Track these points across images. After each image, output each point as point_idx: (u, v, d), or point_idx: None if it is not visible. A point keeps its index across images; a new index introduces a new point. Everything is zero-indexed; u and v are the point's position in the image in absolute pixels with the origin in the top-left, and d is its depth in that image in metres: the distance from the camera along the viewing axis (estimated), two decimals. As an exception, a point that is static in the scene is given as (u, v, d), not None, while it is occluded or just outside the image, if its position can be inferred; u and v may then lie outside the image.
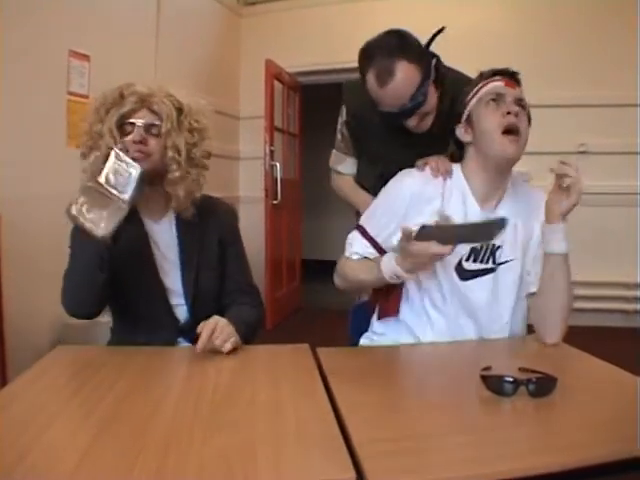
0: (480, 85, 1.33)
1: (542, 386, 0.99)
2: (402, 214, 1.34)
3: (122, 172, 1.20)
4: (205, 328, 1.20)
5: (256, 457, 0.78)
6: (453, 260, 1.31)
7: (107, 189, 1.19)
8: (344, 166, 1.85)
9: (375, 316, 1.53)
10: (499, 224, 1.13)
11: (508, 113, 1.25)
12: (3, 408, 0.95)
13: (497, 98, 1.28)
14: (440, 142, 1.49)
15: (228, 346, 1.22)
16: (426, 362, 1.33)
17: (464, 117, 1.35)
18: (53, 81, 2.59)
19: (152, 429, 0.87)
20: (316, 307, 4.85)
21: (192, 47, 4.00)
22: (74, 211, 1.17)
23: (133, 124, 1.31)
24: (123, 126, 1.31)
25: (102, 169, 1.20)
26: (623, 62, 3.86)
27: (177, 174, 1.34)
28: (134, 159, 1.24)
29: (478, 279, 1.34)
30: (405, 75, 1.40)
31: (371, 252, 1.39)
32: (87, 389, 1.03)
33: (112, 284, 1.31)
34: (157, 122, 1.32)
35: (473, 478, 0.76)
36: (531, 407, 0.96)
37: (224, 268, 1.48)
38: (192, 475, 0.73)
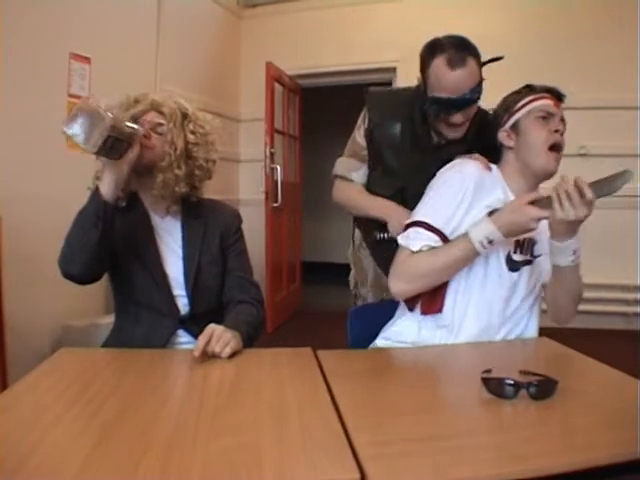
0: (531, 98, 1.43)
1: (543, 389, 0.99)
2: (468, 203, 1.37)
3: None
4: (201, 336, 1.22)
5: (260, 459, 0.78)
6: (504, 252, 1.40)
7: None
8: (358, 174, 1.76)
9: (402, 313, 1.50)
10: (624, 176, 1.29)
11: (556, 131, 1.36)
12: (5, 410, 0.95)
13: (547, 116, 1.38)
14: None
15: (227, 350, 1.23)
16: (427, 364, 1.33)
17: (509, 123, 1.43)
18: (54, 83, 2.60)
19: (156, 431, 0.87)
20: (316, 309, 4.85)
21: (192, 49, 4.01)
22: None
23: (141, 122, 1.41)
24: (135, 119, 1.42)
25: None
26: (623, 64, 3.87)
27: (163, 163, 1.42)
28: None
29: (522, 269, 1.43)
30: (473, 69, 1.53)
31: (440, 244, 1.36)
32: (90, 391, 1.03)
33: (117, 271, 1.43)
34: (163, 122, 1.43)
35: (475, 480, 0.76)
36: (532, 410, 0.96)
37: (225, 265, 1.53)
38: (196, 477, 0.73)
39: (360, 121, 1.75)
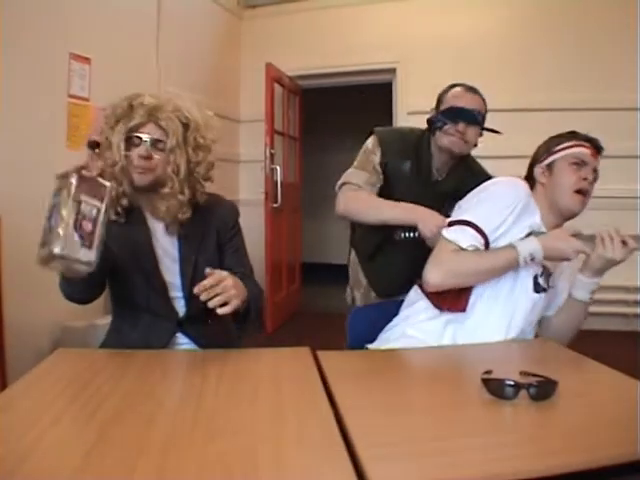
0: (570, 144, 1.51)
1: (543, 390, 0.99)
2: (515, 217, 1.43)
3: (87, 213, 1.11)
4: (211, 277, 1.22)
5: (257, 460, 0.77)
6: (533, 273, 1.46)
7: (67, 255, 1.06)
8: (373, 188, 1.81)
9: (427, 307, 1.50)
10: None
11: (585, 179, 1.46)
12: (4, 410, 0.95)
13: (580, 163, 1.47)
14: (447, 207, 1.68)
15: (227, 309, 1.21)
16: (427, 365, 1.33)
17: (546, 162, 1.54)
18: (54, 84, 2.60)
19: (153, 432, 0.86)
20: (316, 310, 4.85)
21: (193, 50, 4.01)
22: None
23: (140, 138, 1.35)
24: (131, 138, 1.35)
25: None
26: (623, 65, 3.87)
27: (167, 191, 1.38)
28: (138, 172, 1.35)
29: (541, 294, 1.48)
30: (482, 102, 1.87)
31: (483, 248, 1.41)
32: (88, 392, 1.02)
33: (114, 275, 1.39)
34: (163, 138, 1.36)
35: (474, 481, 0.76)
36: (532, 411, 0.96)
37: (222, 262, 1.51)
38: (192, 477, 0.73)
39: (372, 148, 1.89)
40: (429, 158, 1.84)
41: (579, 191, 1.46)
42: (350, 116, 6.57)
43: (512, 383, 0.99)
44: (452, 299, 1.44)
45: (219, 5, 4.44)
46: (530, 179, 1.57)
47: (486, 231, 1.41)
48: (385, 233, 1.80)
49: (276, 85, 4.29)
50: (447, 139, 1.76)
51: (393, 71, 4.47)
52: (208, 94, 4.21)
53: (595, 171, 1.49)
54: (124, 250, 1.39)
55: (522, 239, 1.39)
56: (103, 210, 1.13)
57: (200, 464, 0.76)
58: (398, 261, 1.87)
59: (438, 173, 1.87)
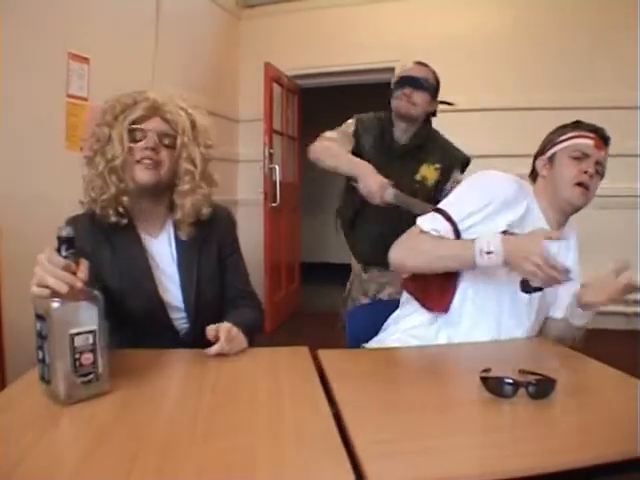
0: (573, 134, 1.47)
1: (542, 388, 0.99)
2: (492, 210, 1.36)
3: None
4: (222, 334, 1.23)
5: (255, 459, 0.77)
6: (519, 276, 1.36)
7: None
8: (338, 143, 2.11)
9: (411, 307, 1.51)
10: None
11: (585, 172, 1.39)
12: (3, 411, 0.94)
13: (582, 156, 1.41)
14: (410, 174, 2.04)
15: (234, 350, 1.25)
16: (426, 364, 1.33)
17: (547, 154, 1.49)
18: (52, 83, 2.59)
19: (151, 431, 0.86)
20: (315, 309, 4.85)
21: (191, 50, 4.01)
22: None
23: (144, 130, 1.27)
24: (133, 132, 1.27)
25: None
26: (621, 64, 3.88)
27: (188, 186, 1.32)
28: (145, 165, 1.27)
29: (535, 294, 1.41)
30: (431, 74, 2.12)
31: (450, 235, 1.37)
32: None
33: (109, 300, 1.21)
34: (171, 132, 1.30)
35: (472, 478, 0.76)
36: (531, 409, 0.96)
37: (223, 277, 1.48)
38: (191, 477, 0.73)
39: (349, 123, 2.28)
40: (391, 126, 2.12)
41: (580, 184, 1.40)
42: (349, 116, 6.57)
43: (511, 381, 0.99)
44: (436, 298, 1.42)
45: (218, 5, 4.43)
46: (534, 172, 1.54)
47: (455, 219, 1.37)
48: (363, 199, 1.86)
49: (275, 85, 4.29)
50: (396, 102, 2.05)
51: (392, 70, 4.47)
52: (207, 94, 4.21)
53: (598, 163, 1.42)
54: (120, 276, 1.31)
55: (486, 234, 1.31)
56: (99, 331, 0.98)
57: (199, 463, 0.76)
58: (375, 228, 2.03)
59: (401, 138, 2.12)
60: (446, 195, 1.50)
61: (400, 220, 1.57)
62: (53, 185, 2.49)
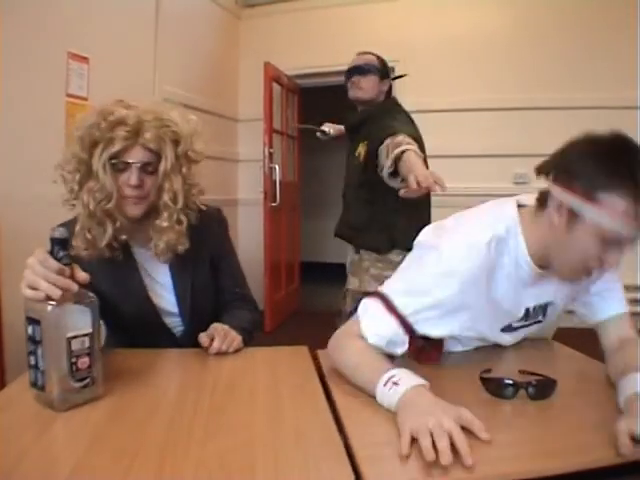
0: (623, 207, 0.94)
1: (542, 389, 0.99)
2: (452, 307, 1.09)
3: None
4: (205, 335, 1.24)
5: (254, 460, 0.77)
6: (503, 324, 1.22)
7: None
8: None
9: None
10: None
11: (610, 265, 1.03)
12: (2, 410, 0.95)
13: (615, 244, 0.99)
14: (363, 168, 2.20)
15: (232, 349, 1.25)
16: (425, 364, 1.32)
17: (573, 201, 0.98)
18: (52, 83, 2.59)
19: (150, 431, 0.86)
20: (315, 309, 4.84)
21: (191, 49, 4.01)
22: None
23: (127, 163, 1.21)
24: (115, 164, 1.21)
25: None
26: (622, 64, 3.87)
27: (165, 224, 1.26)
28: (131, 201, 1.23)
29: (522, 329, 1.27)
30: (373, 58, 2.43)
31: (399, 333, 1.09)
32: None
33: (103, 311, 1.12)
34: (152, 160, 1.23)
35: (473, 481, 0.76)
36: (531, 410, 0.96)
37: (218, 281, 1.47)
38: (190, 477, 0.73)
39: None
40: (353, 112, 2.48)
41: (591, 272, 1.07)
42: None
43: (511, 382, 0.98)
44: (426, 355, 1.25)
45: (217, 4, 4.43)
46: (541, 199, 1.10)
47: (405, 312, 1.07)
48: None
49: (275, 84, 4.29)
50: (349, 92, 2.41)
51: (392, 70, 4.46)
52: (206, 93, 4.21)
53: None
54: (111, 287, 1.28)
55: (407, 378, 0.94)
56: (95, 333, 0.98)
57: (197, 463, 0.76)
58: (344, 211, 2.50)
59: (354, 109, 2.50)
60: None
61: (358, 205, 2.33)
62: (52, 185, 2.48)
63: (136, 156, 1.21)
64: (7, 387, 1.08)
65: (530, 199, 1.17)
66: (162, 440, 0.83)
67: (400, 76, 2.72)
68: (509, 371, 1.05)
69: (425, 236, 1.17)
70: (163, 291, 1.39)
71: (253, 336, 1.43)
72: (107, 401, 0.98)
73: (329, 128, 2.95)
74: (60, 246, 0.95)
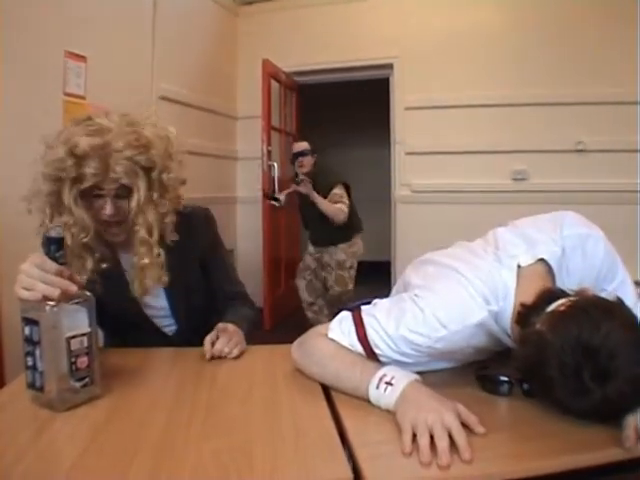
0: None
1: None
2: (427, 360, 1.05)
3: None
4: (222, 338, 1.23)
5: (252, 458, 0.78)
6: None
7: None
8: None
9: None
10: None
11: None
12: (1, 409, 0.95)
13: None
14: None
15: (235, 352, 1.23)
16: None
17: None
18: (49, 82, 2.59)
19: (148, 430, 0.87)
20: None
21: (189, 47, 4.00)
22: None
23: (99, 194, 1.16)
24: (86, 195, 1.16)
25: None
26: (621, 59, 3.87)
27: (147, 260, 1.22)
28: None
29: None
30: (305, 144, 3.63)
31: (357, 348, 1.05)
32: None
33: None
34: (126, 188, 1.16)
35: (470, 479, 0.76)
36: (527, 407, 0.95)
37: (210, 280, 1.46)
38: (187, 477, 0.73)
39: None
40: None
41: None
42: (347, 112, 6.56)
43: (506, 379, 0.99)
44: None
45: (215, 2, 4.42)
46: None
47: (377, 351, 1.03)
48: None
49: (273, 81, 4.28)
50: (295, 168, 3.66)
51: (390, 67, 4.46)
52: (204, 91, 4.20)
53: None
54: (100, 292, 1.15)
55: (401, 376, 0.95)
56: (93, 332, 0.98)
57: (195, 462, 0.76)
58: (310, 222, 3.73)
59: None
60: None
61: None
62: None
63: (108, 186, 1.15)
64: (6, 387, 1.09)
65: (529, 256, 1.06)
66: (160, 439, 0.83)
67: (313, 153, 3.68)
68: (506, 367, 1.01)
69: (432, 265, 1.16)
70: (154, 298, 1.36)
71: (251, 333, 1.44)
72: (104, 401, 0.99)
73: (282, 196, 3.76)
74: (56, 245, 0.95)
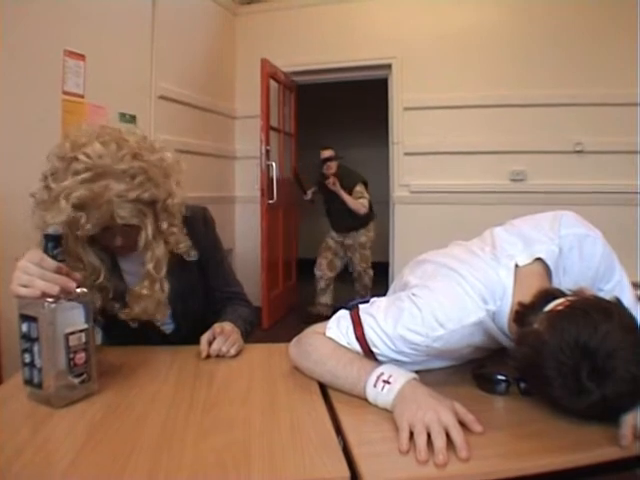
0: None
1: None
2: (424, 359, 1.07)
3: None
4: (219, 338, 1.23)
5: (250, 456, 0.78)
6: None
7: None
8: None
9: None
10: None
11: None
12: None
13: None
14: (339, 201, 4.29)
15: (233, 351, 1.23)
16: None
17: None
18: (48, 81, 2.59)
19: (146, 427, 0.87)
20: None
21: (187, 46, 4.00)
22: None
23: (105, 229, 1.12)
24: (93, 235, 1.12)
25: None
26: (620, 60, 3.88)
27: (145, 292, 1.21)
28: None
29: None
30: (330, 151, 4.41)
31: (355, 346, 1.06)
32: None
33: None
34: (132, 223, 1.12)
35: (466, 477, 0.76)
36: (524, 406, 0.95)
37: (208, 280, 1.45)
38: (185, 475, 0.73)
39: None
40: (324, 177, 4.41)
41: None
42: (345, 112, 6.56)
43: (503, 378, 0.99)
44: None
45: (214, 1, 4.42)
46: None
47: (375, 351, 1.04)
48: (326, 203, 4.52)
49: (271, 81, 4.28)
50: (324, 170, 4.36)
51: (389, 67, 4.47)
52: (203, 90, 4.20)
53: None
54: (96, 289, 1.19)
55: (398, 375, 0.94)
56: (90, 329, 0.98)
57: (193, 460, 0.76)
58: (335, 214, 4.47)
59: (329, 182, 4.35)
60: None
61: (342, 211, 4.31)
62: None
63: (114, 231, 1.13)
64: (4, 384, 1.09)
65: (527, 255, 1.07)
66: (158, 436, 0.84)
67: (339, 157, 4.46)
68: (504, 366, 1.00)
69: (429, 264, 1.16)
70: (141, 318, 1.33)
71: (253, 330, 1.45)
72: (102, 398, 0.99)
73: (309, 192, 4.67)
74: (54, 243, 0.95)
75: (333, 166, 4.36)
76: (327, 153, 4.42)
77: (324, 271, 4.50)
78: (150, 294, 1.21)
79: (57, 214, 1.04)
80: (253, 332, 1.44)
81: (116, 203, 1.06)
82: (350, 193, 4.27)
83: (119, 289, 1.27)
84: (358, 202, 4.26)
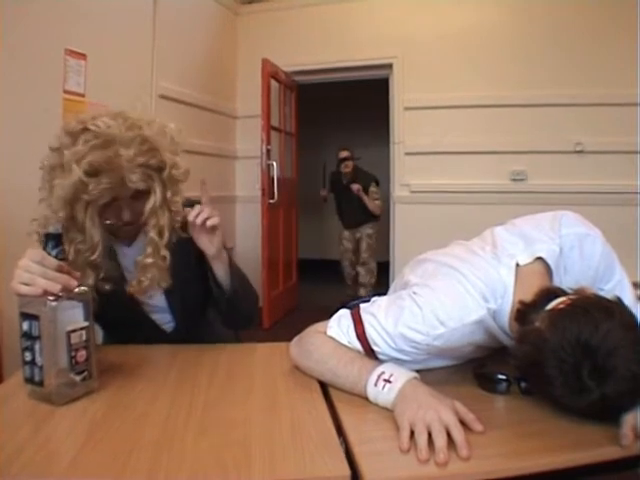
0: None
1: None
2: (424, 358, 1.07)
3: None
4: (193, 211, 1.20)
5: (250, 454, 0.78)
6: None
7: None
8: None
9: None
10: None
11: None
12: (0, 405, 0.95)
13: None
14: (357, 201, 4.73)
15: (210, 222, 1.18)
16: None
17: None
18: (49, 80, 2.59)
19: (146, 426, 0.87)
20: (312, 306, 4.85)
21: (189, 45, 4.00)
22: None
23: (114, 200, 1.13)
24: (102, 209, 1.14)
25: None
26: (620, 60, 3.89)
27: (150, 260, 1.20)
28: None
29: None
30: (346, 152, 4.84)
31: (356, 345, 1.06)
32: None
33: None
34: (142, 188, 1.14)
35: (467, 476, 0.76)
36: (524, 405, 0.95)
37: (208, 277, 1.40)
38: (185, 474, 0.73)
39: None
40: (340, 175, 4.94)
41: None
42: (346, 112, 6.56)
43: (503, 377, 0.99)
44: None
45: (215, 1, 4.43)
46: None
47: (375, 349, 1.04)
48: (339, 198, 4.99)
49: (272, 81, 4.28)
50: (341, 169, 4.82)
51: (390, 67, 4.47)
52: (204, 90, 4.21)
53: None
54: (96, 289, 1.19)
55: (399, 374, 0.94)
56: (90, 326, 0.99)
57: (193, 458, 0.76)
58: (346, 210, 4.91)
59: (344, 179, 4.88)
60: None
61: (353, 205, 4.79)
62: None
63: (124, 200, 1.14)
64: (4, 382, 1.09)
65: (528, 254, 1.06)
66: (158, 435, 0.84)
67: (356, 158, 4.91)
68: (505, 364, 1.00)
69: (430, 263, 1.15)
70: (153, 299, 1.35)
71: (251, 310, 1.43)
72: (103, 396, 0.99)
73: (324, 192, 5.24)
74: (55, 241, 0.96)
75: (350, 165, 4.79)
76: (344, 154, 4.81)
77: (348, 271, 5.02)
78: (154, 261, 1.20)
79: (68, 178, 1.05)
80: (245, 294, 1.36)
81: (126, 168, 1.08)
82: (365, 193, 4.68)
83: (120, 285, 1.26)
84: (375, 203, 4.72)
